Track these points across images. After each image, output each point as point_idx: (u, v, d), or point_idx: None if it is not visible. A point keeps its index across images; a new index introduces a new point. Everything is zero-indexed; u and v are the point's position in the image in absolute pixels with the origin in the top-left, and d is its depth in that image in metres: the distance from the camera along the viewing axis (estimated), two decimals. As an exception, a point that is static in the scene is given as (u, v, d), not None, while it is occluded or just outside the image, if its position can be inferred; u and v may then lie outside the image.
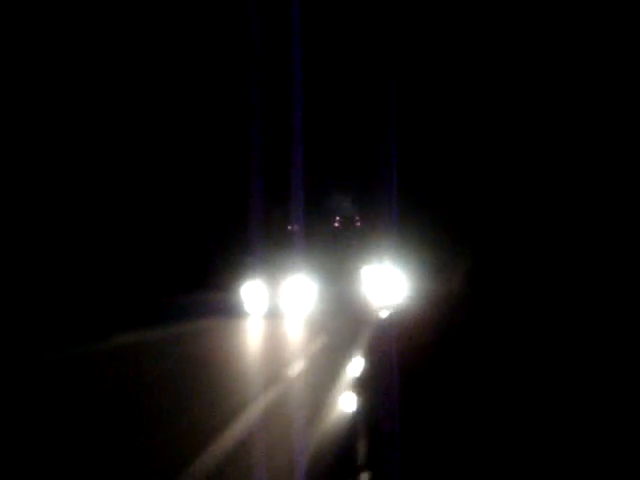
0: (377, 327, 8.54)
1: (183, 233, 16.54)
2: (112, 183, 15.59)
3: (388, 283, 11.97)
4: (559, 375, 5.36)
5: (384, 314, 9.39)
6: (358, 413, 4.07)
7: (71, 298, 12.02)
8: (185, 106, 16.56)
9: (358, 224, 14.42)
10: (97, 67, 15.09)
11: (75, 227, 14.49)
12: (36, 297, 11.44)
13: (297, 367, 6.40)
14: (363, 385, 4.89)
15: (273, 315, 10.58)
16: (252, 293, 11.00)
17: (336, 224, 14.75)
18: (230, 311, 10.72)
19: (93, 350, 7.40)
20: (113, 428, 4.41)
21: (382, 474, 3.37)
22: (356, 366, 5.67)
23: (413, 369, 5.39)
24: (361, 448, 3.57)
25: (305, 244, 12.76)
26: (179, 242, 16.25)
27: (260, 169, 14.73)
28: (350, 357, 6.38)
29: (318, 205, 15.04)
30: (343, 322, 9.68)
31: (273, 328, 9.70)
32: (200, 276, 14.46)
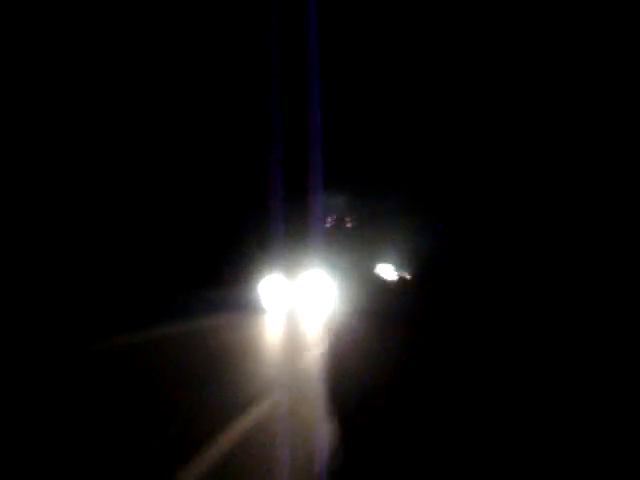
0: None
1: (199, 229, 16.68)
2: (129, 177, 15.74)
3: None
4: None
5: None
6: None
7: (89, 295, 12.20)
8: (205, 99, 16.69)
9: (349, 225, 14.34)
10: (118, 62, 15.27)
11: (91, 224, 14.65)
12: (55, 293, 11.63)
13: (311, 361, 6.53)
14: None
15: (290, 311, 10.70)
16: (269, 289, 11.11)
17: (327, 225, 14.69)
18: (247, 307, 10.85)
19: (116, 344, 7.57)
20: (148, 406, 4.72)
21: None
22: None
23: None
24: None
25: (323, 240, 12.88)
26: (195, 238, 16.39)
27: (278, 164, 14.84)
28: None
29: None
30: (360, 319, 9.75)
31: (291, 325, 9.82)
32: (217, 272, 14.60)
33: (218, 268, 14.81)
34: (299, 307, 10.91)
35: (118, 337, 7.94)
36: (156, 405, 4.86)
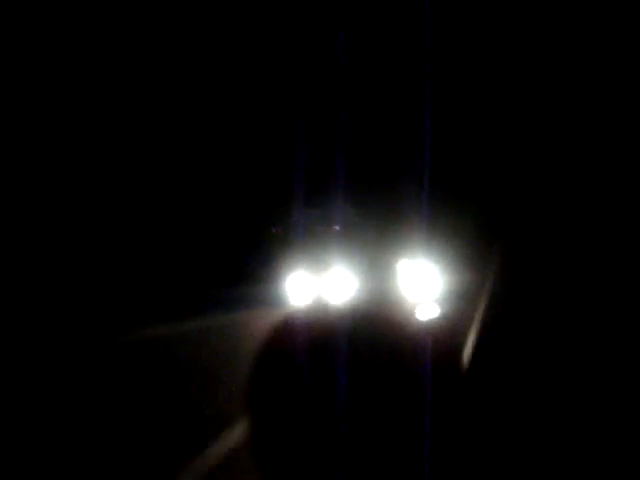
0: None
1: (225, 227, 17.02)
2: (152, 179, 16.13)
3: (423, 278, 12.18)
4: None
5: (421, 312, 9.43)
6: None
7: (122, 289, 12.66)
8: (231, 98, 16.97)
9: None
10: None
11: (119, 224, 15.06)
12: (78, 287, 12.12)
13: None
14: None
15: (317, 306, 11.09)
16: (295, 285, 11.48)
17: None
18: (275, 303, 11.26)
19: (157, 335, 8.13)
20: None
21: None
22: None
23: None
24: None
25: (348, 237, 13.11)
26: (219, 235, 16.75)
27: (302, 161, 15.04)
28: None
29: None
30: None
31: (316, 317, 10.24)
32: (244, 269, 14.99)
33: (246, 265, 15.18)
34: (325, 302, 11.27)
35: (157, 328, 8.48)
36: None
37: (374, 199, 16.44)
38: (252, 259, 15.36)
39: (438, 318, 9.13)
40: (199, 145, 17.05)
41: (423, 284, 12.04)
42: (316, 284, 11.53)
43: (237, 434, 4.61)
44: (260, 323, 9.91)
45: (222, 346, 7.85)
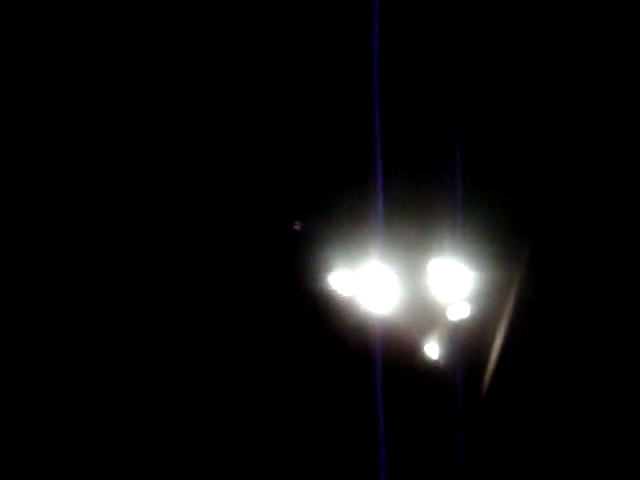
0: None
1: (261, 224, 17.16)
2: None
3: (454, 277, 12.04)
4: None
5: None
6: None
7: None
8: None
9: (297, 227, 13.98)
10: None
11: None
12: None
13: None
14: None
15: (356, 303, 11.16)
16: (335, 284, 11.51)
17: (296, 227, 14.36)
18: (316, 302, 11.36)
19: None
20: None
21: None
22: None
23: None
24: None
25: (383, 233, 13.06)
26: (257, 233, 16.90)
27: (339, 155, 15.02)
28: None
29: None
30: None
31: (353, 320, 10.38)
32: (283, 267, 15.05)
33: (284, 262, 15.25)
34: (362, 299, 11.28)
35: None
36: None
37: (404, 196, 16.44)
38: (293, 258, 15.33)
39: (468, 317, 8.98)
40: (220, 141, 17.14)
41: (454, 283, 11.90)
42: (355, 281, 11.39)
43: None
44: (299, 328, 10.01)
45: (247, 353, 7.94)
